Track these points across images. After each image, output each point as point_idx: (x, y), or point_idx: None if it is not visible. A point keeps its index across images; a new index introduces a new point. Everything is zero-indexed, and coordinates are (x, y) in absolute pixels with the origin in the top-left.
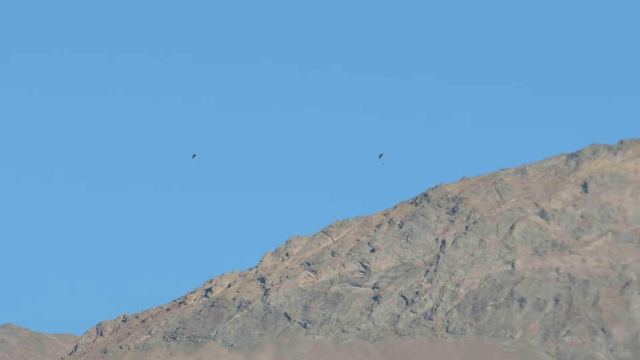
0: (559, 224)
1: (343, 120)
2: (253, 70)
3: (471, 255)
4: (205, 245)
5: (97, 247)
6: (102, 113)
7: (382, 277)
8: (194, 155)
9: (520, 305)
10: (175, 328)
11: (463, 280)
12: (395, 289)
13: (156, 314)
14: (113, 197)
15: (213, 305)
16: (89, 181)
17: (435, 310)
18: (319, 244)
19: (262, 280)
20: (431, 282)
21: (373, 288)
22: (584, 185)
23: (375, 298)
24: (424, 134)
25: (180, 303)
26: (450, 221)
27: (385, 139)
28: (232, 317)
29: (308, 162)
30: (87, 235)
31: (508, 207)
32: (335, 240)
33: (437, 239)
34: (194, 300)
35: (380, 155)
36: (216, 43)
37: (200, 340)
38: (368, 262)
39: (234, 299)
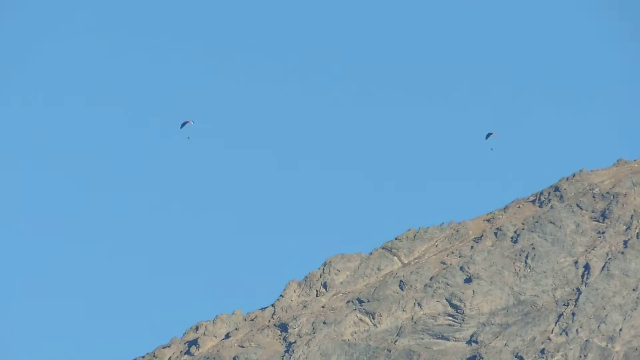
0: None
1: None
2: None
3: (634, 290)
4: (188, 269)
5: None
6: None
7: (484, 324)
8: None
9: None
10: None
11: (620, 330)
12: (506, 345)
13: None
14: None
15: None
16: None
17: None
18: (378, 269)
19: (283, 327)
20: (566, 334)
21: (469, 342)
22: None
23: (473, 359)
24: (556, 93)
25: None
26: (599, 232)
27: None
28: None
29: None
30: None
31: None
32: (406, 262)
33: (576, 262)
34: (169, 359)
35: (487, 135)
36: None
37: None
38: (461, 300)
39: (235, 358)
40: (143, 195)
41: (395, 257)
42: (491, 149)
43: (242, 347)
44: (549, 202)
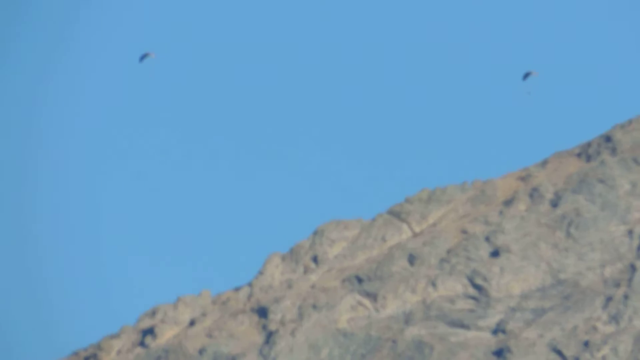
0: None
1: None
2: None
3: None
4: (144, 238)
5: None
6: None
7: (514, 309)
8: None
9: None
10: None
11: None
12: (541, 336)
13: None
14: None
15: None
16: None
17: None
18: (383, 239)
19: (262, 312)
20: (617, 322)
21: (495, 332)
22: None
23: (499, 353)
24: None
25: (88, 359)
26: None
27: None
28: None
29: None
30: None
31: None
32: (418, 230)
33: (630, 232)
34: (118, 352)
35: (525, 75)
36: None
37: None
38: (486, 279)
39: (201, 351)
40: (90, 159)
41: (405, 225)
42: (529, 93)
43: (211, 337)
44: (599, 155)
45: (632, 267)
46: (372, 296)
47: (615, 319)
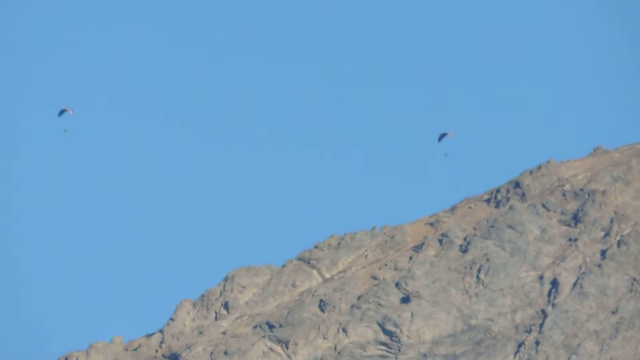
0: None
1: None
2: None
3: (613, 313)
4: (56, 285)
5: None
6: None
7: (425, 355)
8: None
9: None
10: None
11: None
12: None
13: None
14: None
15: None
16: None
17: None
18: (293, 285)
19: (174, 358)
20: None
21: None
22: None
23: None
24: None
25: None
26: (570, 240)
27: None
28: None
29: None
30: None
31: None
32: (328, 276)
33: (540, 277)
34: None
35: (441, 136)
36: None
37: None
38: (396, 325)
39: None
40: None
41: (315, 271)
42: (445, 154)
43: None
44: (508, 201)
45: (543, 313)
46: (284, 342)
47: None
